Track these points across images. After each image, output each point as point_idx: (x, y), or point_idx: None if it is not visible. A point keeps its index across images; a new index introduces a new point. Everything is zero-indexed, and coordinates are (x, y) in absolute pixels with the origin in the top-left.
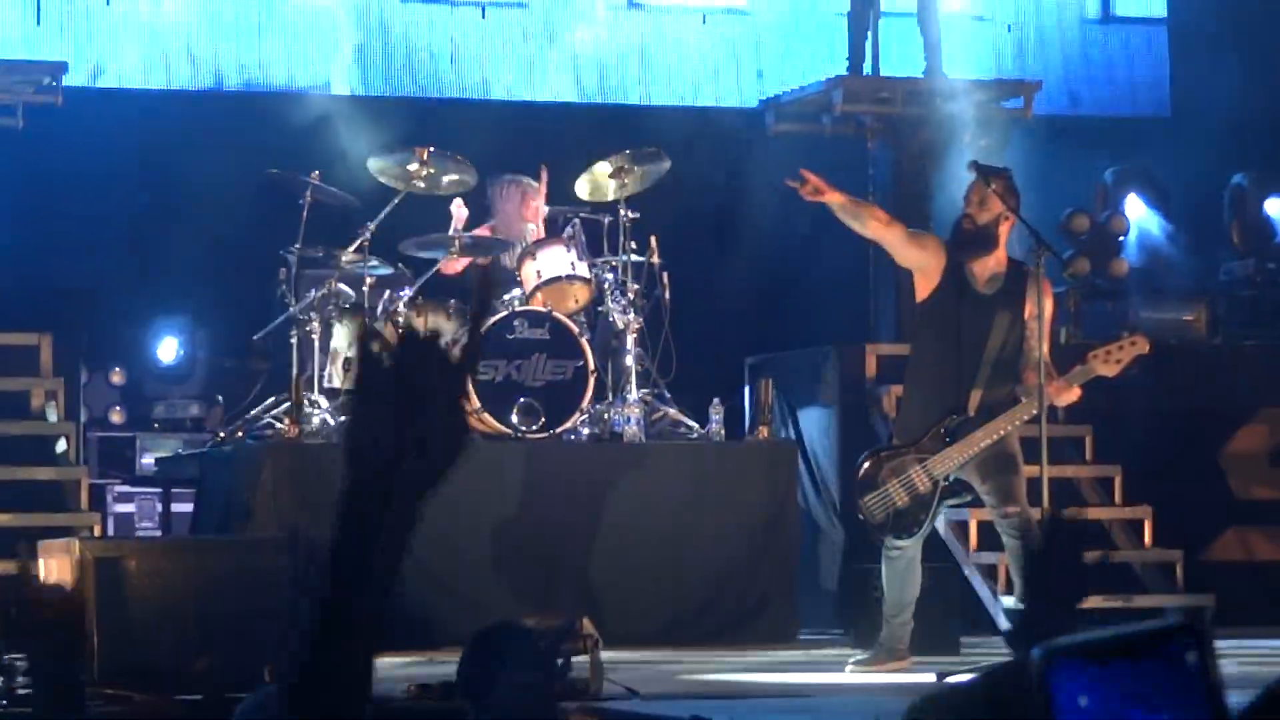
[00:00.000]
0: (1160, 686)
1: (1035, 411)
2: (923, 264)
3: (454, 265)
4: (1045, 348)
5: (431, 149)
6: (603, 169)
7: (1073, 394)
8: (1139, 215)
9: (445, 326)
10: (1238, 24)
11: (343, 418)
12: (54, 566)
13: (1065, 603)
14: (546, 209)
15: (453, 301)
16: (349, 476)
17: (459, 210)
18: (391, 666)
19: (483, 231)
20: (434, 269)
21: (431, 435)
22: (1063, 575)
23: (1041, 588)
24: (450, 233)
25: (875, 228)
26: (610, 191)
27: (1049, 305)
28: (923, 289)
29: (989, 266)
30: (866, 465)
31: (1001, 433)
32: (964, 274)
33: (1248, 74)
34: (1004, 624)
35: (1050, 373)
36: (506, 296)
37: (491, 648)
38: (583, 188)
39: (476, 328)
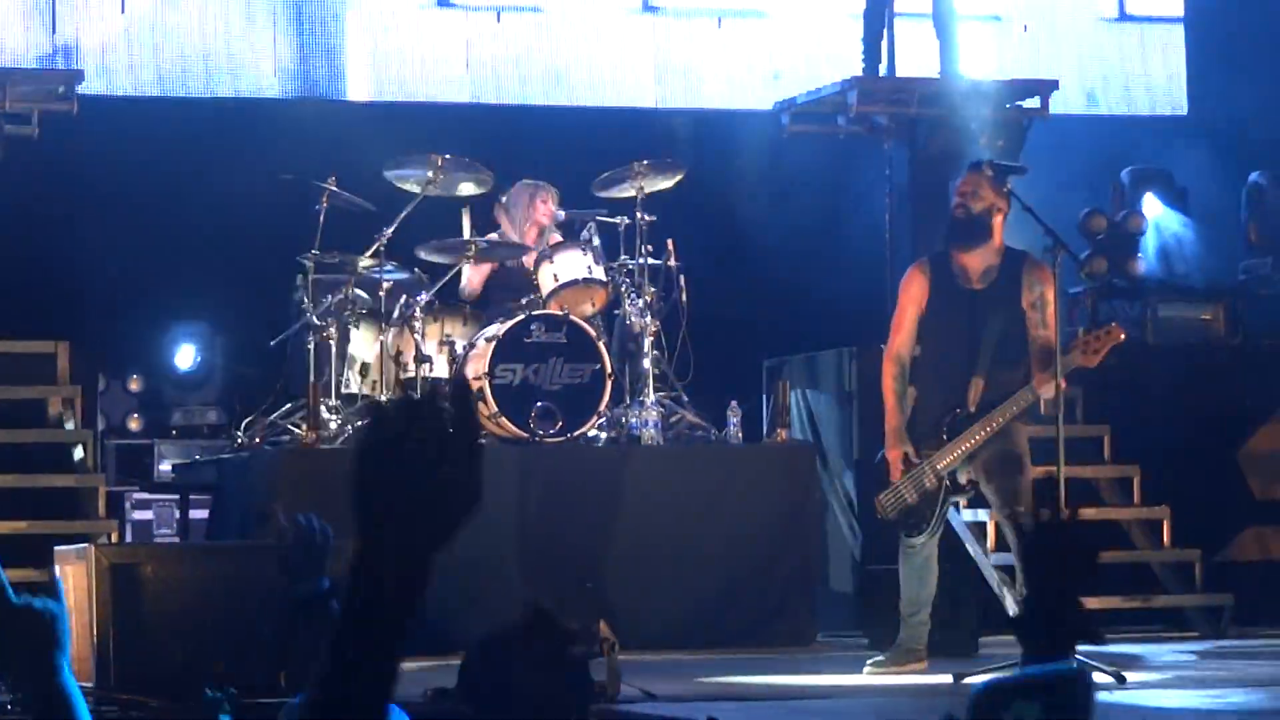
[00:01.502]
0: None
1: (1031, 401)
2: (920, 302)
3: (474, 283)
4: (1051, 335)
5: (447, 155)
6: (619, 175)
7: (1055, 386)
8: (1156, 214)
9: (460, 333)
10: (1255, 22)
11: (352, 480)
12: (70, 573)
13: (1065, 600)
14: (562, 213)
15: (468, 308)
16: (359, 536)
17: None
18: (410, 671)
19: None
20: (449, 275)
21: (444, 491)
22: (1060, 574)
23: (1041, 587)
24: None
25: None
26: (627, 191)
27: (1049, 293)
28: (924, 306)
29: (983, 259)
30: (880, 464)
31: (998, 424)
32: (950, 275)
33: (1265, 72)
34: (1011, 609)
35: (1057, 355)
36: (523, 301)
37: (492, 655)
38: (599, 190)
39: (465, 414)
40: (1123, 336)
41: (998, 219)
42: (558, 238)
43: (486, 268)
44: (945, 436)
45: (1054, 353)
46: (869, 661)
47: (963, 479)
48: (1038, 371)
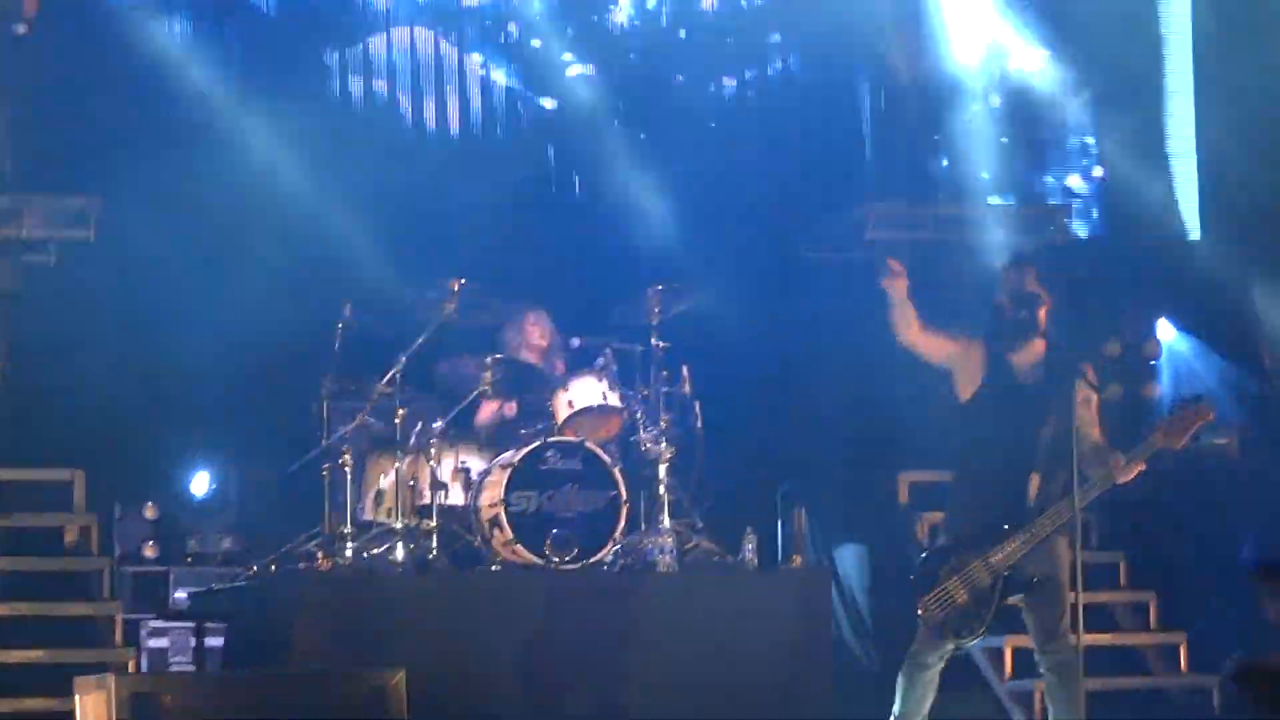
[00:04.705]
0: None
1: (1106, 486)
2: (960, 360)
3: (486, 413)
4: (1098, 432)
5: (463, 280)
6: (635, 303)
7: (1135, 469)
8: (1171, 339)
9: (475, 460)
10: (1267, 147)
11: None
12: (89, 703)
13: None
14: (577, 340)
15: (482, 434)
16: None
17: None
18: None
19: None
20: (463, 403)
21: None
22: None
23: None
24: (486, 359)
25: (910, 333)
26: (642, 317)
27: (1093, 390)
28: (965, 389)
29: (1030, 355)
30: (923, 566)
31: (1067, 516)
32: (1005, 367)
33: (1277, 196)
34: None
35: (1108, 453)
36: (538, 427)
37: None
38: (614, 316)
39: None
40: (1211, 416)
41: (1042, 312)
42: (543, 352)
43: (503, 403)
44: (1008, 529)
45: (1104, 451)
46: None
47: (1023, 575)
48: (1089, 468)
